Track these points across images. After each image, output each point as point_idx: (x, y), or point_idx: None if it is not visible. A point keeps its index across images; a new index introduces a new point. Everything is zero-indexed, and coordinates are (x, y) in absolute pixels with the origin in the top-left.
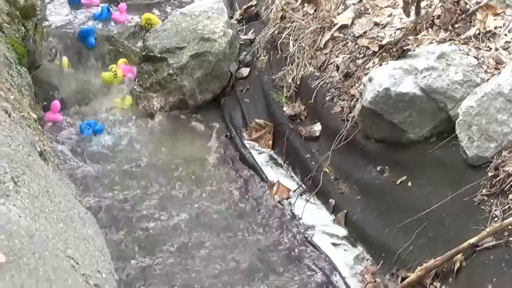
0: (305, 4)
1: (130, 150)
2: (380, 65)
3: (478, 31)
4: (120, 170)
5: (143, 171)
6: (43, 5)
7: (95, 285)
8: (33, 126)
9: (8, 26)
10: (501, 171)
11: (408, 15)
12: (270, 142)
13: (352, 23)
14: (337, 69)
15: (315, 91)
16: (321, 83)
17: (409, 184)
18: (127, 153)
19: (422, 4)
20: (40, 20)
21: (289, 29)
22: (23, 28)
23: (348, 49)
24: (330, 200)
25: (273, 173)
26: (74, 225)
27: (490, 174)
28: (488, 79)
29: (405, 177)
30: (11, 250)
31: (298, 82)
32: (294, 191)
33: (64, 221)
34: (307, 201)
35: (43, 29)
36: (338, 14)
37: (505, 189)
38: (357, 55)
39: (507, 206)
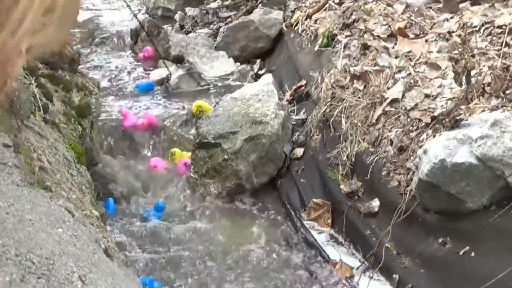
0: (355, 81)
1: (189, 236)
2: (434, 136)
3: None
4: (179, 256)
5: (203, 255)
6: (98, 103)
7: None
8: (96, 223)
9: (65, 126)
10: None
11: (460, 85)
12: (329, 220)
13: (403, 96)
14: (391, 143)
15: (371, 166)
16: (376, 158)
17: (472, 254)
18: (184, 239)
19: (472, 72)
20: (96, 118)
21: (340, 107)
22: (79, 126)
23: (401, 123)
24: (394, 275)
25: (334, 252)
26: None
27: None
28: None
29: (467, 248)
30: None
31: (353, 159)
32: (357, 268)
33: None
34: (371, 278)
35: (98, 127)
36: (388, 88)
37: None
38: (410, 128)
39: None
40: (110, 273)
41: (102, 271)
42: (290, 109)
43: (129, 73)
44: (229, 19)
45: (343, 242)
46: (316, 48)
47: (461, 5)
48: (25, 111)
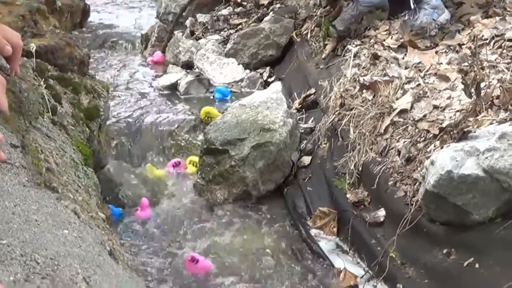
0: (364, 91)
1: (194, 242)
2: (442, 148)
3: None
4: (182, 262)
5: (210, 261)
6: (107, 106)
7: None
8: (101, 225)
9: (73, 128)
10: None
11: (470, 96)
12: (335, 229)
13: (411, 107)
14: (399, 154)
15: (378, 176)
16: (383, 168)
17: (477, 266)
18: (190, 245)
19: (481, 85)
20: (104, 121)
21: (349, 116)
22: (87, 129)
23: (409, 133)
24: (398, 285)
25: (339, 260)
26: None
27: None
28: None
29: (472, 259)
30: None
31: (360, 168)
32: (361, 277)
33: None
34: (375, 287)
35: (107, 129)
36: (397, 98)
37: None
38: (418, 139)
39: None
40: (115, 275)
41: (107, 273)
42: (298, 117)
43: (138, 77)
44: (240, 26)
45: (348, 251)
46: (323, 56)
47: (472, 18)
48: (33, 112)
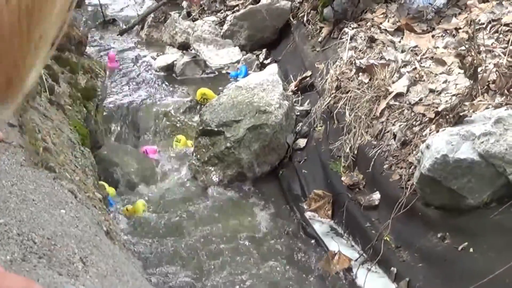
0: (360, 73)
1: (189, 224)
2: (437, 131)
3: None
4: (178, 244)
5: (202, 244)
6: (104, 86)
7: None
8: (98, 206)
9: (70, 108)
10: None
11: (472, 78)
12: (330, 212)
13: (407, 90)
14: (394, 137)
15: (373, 159)
16: (378, 151)
17: (471, 250)
18: (185, 227)
19: (478, 69)
20: (101, 101)
21: (345, 99)
22: (84, 109)
23: (404, 117)
24: (392, 268)
25: (333, 243)
26: None
27: None
28: None
29: (466, 243)
30: None
31: (356, 152)
32: (356, 260)
33: None
34: (369, 270)
35: (103, 110)
36: (393, 82)
37: None
38: (414, 123)
39: None
40: (111, 255)
41: (103, 253)
42: (294, 100)
43: (133, 58)
44: (237, 8)
45: (343, 234)
46: (320, 39)
47: (469, 2)
48: (31, 91)
